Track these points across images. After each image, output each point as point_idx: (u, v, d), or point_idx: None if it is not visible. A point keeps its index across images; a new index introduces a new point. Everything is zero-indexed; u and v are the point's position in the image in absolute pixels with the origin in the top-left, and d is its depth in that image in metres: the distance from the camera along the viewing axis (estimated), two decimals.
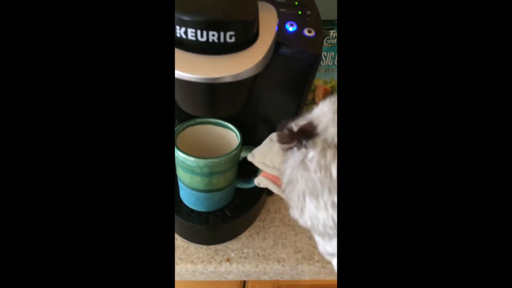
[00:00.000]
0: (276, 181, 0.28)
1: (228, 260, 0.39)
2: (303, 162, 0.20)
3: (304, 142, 0.21)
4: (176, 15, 0.20)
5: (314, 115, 0.22)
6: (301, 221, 0.23)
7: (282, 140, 0.22)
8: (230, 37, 0.21)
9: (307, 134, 0.21)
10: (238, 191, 0.42)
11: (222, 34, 0.20)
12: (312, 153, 0.20)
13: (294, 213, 0.23)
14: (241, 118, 0.37)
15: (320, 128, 0.21)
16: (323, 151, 0.20)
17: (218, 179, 0.36)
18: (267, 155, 0.28)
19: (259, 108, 0.38)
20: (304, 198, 0.21)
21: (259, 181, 0.31)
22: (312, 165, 0.20)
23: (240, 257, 0.39)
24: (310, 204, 0.21)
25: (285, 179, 0.22)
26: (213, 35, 0.20)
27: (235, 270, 0.39)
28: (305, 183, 0.20)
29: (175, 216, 0.39)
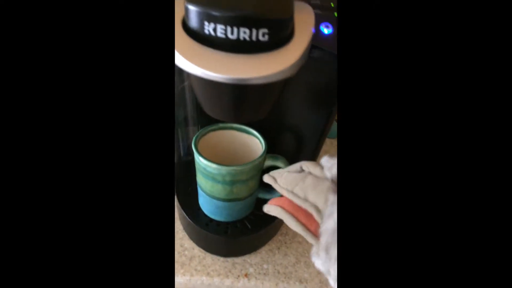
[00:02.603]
0: (297, 214, 0.24)
1: (246, 275, 0.37)
2: None
3: None
4: (205, 10, 0.18)
5: None
6: (320, 266, 0.20)
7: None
8: (263, 35, 0.19)
9: None
10: (260, 201, 0.39)
11: (254, 31, 0.18)
12: None
13: (319, 257, 0.20)
14: (266, 125, 0.35)
15: None
16: None
17: (240, 188, 0.34)
18: (297, 184, 0.24)
19: (286, 115, 0.36)
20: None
21: (271, 210, 0.26)
22: None
23: (259, 273, 0.37)
24: None
25: (331, 224, 0.19)
26: (245, 32, 0.18)
27: (253, 287, 0.36)
28: None
29: (193, 224, 0.38)
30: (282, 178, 0.26)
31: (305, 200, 0.22)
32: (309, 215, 0.23)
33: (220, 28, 0.19)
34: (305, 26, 0.21)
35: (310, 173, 0.24)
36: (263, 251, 0.40)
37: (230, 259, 0.38)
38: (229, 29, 0.18)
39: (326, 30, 0.27)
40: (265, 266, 0.38)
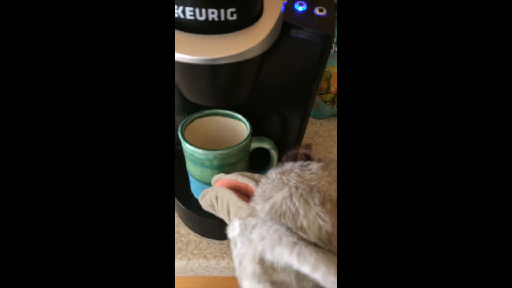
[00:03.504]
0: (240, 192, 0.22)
1: None
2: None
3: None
4: None
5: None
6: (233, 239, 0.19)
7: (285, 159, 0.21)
8: (231, 14, 0.19)
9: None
10: None
11: (222, 11, 0.19)
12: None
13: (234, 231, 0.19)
14: (251, 109, 0.36)
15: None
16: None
17: (229, 171, 0.34)
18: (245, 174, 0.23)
19: (269, 97, 0.36)
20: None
21: (209, 193, 0.24)
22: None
23: None
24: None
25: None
26: (213, 13, 0.19)
27: None
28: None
29: (187, 210, 0.38)
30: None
31: (250, 177, 0.22)
32: (245, 200, 0.22)
33: (188, 10, 0.19)
34: (274, 4, 0.22)
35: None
36: None
37: (225, 242, 0.39)
38: (197, 10, 0.19)
39: (300, 7, 0.27)
40: None
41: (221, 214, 0.22)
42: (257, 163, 0.39)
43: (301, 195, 0.17)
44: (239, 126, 0.37)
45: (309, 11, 0.27)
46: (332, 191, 0.18)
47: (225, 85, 0.23)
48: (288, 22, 0.25)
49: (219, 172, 0.34)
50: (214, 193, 0.23)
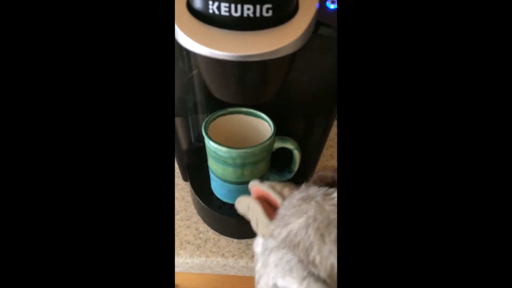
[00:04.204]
0: (266, 209, 0.22)
1: None
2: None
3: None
4: None
5: None
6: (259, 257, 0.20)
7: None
8: (267, 10, 0.19)
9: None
10: None
11: (258, 7, 0.18)
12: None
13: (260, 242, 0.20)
14: (275, 108, 0.35)
15: None
16: None
17: (251, 170, 0.34)
18: (278, 184, 0.23)
19: (294, 96, 0.36)
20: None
21: (242, 201, 0.24)
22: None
23: None
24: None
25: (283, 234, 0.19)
26: (248, 9, 0.18)
27: None
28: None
29: (207, 208, 0.39)
30: (266, 182, 0.26)
31: (279, 193, 0.22)
32: (274, 214, 0.22)
33: (224, 6, 0.19)
34: (309, 1, 0.21)
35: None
36: None
37: (243, 241, 0.39)
38: (233, 6, 0.19)
39: (332, 6, 0.26)
40: None
41: (252, 223, 0.23)
42: (279, 162, 0.38)
43: (318, 228, 0.17)
44: (262, 125, 0.37)
45: None
46: None
47: (255, 83, 0.23)
48: (319, 20, 0.25)
49: (241, 170, 0.34)
50: (247, 203, 0.24)
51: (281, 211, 0.20)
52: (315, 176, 0.22)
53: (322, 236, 0.17)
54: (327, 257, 0.16)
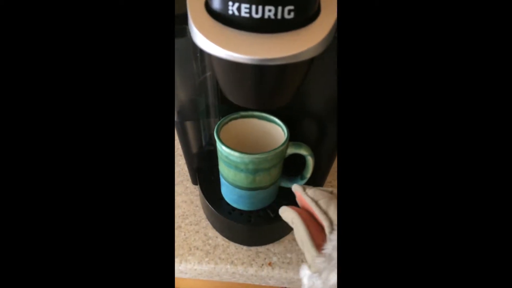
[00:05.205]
0: (308, 224, 0.23)
1: (270, 264, 0.36)
2: None
3: None
4: None
5: None
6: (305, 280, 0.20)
7: None
8: (289, 12, 0.18)
9: None
10: (282, 190, 0.39)
11: (280, 9, 0.18)
12: None
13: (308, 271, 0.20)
14: (288, 112, 0.35)
15: None
16: None
17: (263, 176, 0.33)
18: (323, 198, 0.24)
19: (309, 101, 0.35)
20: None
21: (287, 213, 0.26)
22: None
23: (283, 262, 0.37)
24: None
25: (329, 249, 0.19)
26: (270, 11, 0.18)
27: (277, 276, 0.36)
28: None
29: (216, 213, 0.38)
30: (311, 190, 0.26)
31: (325, 212, 0.23)
32: (318, 231, 0.23)
33: (244, 7, 0.18)
34: (331, 2, 0.20)
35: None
36: (286, 240, 0.39)
37: (253, 248, 0.38)
38: (253, 7, 0.18)
39: None
40: (288, 255, 0.37)
41: (297, 240, 0.24)
42: (290, 168, 0.37)
43: None
44: (275, 130, 0.36)
45: None
46: None
47: (272, 88, 0.22)
48: None
49: (252, 176, 0.33)
50: (291, 217, 0.25)
51: (329, 246, 0.20)
52: None
53: None
54: None
